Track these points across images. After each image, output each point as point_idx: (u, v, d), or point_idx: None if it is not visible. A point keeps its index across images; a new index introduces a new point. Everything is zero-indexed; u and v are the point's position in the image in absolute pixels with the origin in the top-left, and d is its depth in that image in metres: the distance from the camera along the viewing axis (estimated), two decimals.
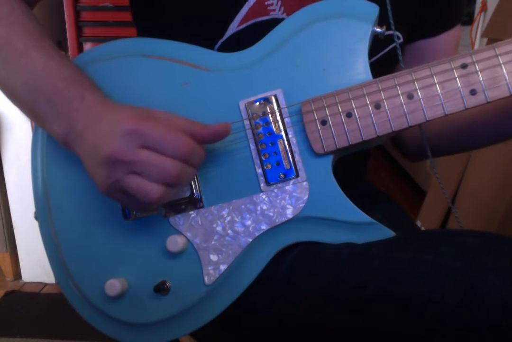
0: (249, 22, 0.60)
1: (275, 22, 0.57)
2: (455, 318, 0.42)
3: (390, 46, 0.65)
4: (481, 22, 1.57)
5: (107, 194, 0.50)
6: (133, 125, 0.47)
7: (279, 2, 0.59)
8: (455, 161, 1.51)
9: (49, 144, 0.61)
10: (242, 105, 0.56)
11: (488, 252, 0.44)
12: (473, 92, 0.49)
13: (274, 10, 0.60)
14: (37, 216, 0.61)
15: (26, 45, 0.54)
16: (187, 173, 0.49)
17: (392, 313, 0.45)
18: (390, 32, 0.59)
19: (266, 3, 0.59)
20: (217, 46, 0.61)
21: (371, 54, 0.56)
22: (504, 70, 0.48)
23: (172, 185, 0.49)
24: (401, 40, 0.66)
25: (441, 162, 1.57)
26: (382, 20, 0.55)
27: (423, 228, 1.54)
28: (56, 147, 0.60)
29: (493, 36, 1.41)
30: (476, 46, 1.58)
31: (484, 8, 1.55)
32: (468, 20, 1.59)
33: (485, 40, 1.50)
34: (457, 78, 0.49)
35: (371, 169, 0.84)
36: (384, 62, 0.65)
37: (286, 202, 0.54)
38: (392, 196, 0.81)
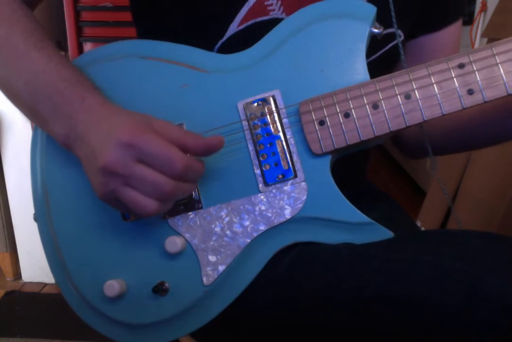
0: (249, 22, 0.60)
1: (275, 22, 0.57)
2: (454, 318, 0.42)
3: (391, 44, 0.65)
4: (481, 22, 1.57)
5: (104, 200, 0.51)
6: (130, 138, 0.47)
7: (279, 2, 0.59)
8: (455, 161, 1.51)
9: (48, 145, 0.61)
10: (240, 106, 0.55)
11: (488, 252, 0.44)
12: (470, 92, 0.49)
13: (273, 10, 0.60)
14: (36, 218, 0.61)
15: (26, 46, 0.54)
16: (181, 190, 0.49)
17: (392, 313, 0.45)
18: (390, 30, 0.59)
19: (265, 3, 0.59)
20: (217, 46, 0.61)
21: (371, 52, 0.55)
22: (501, 70, 0.48)
23: (166, 201, 0.49)
24: (402, 37, 0.66)
25: (441, 162, 1.57)
26: (382, 18, 0.55)
27: (423, 228, 1.54)
28: (56, 148, 0.60)
29: (493, 36, 1.41)
30: (476, 46, 1.58)
31: (484, 8, 1.55)
32: (468, 20, 1.58)
33: (485, 40, 1.50)
34: (455, 78, 0.49)
35: (371, 169, 0.84)
36: (384, 60, 0.65)
37: (284, 202, 0.54)
38: (392, 196, 0.81)
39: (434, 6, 0.68)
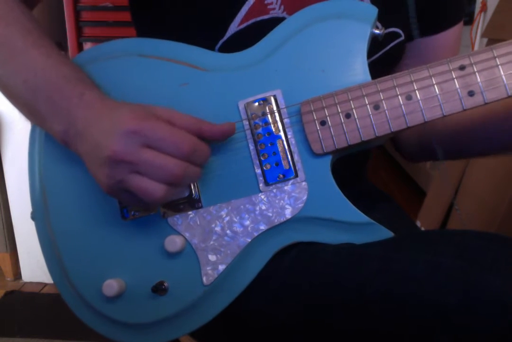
0: (250, 22, 0.60)
1: (275, 21, 0.57)
2: (454, 318, 0.42)
3: (392, 44, 0.65)
4: (481, 22, 1.57)
5: (110, 193, 0.50)
6: (134, 125, 0.47)
7: (279, 1, 0.59)
8: (455, 162, 1.51)
9: (46, 144, 0.61)
10: (241, 105, 0.56)
11: (488, 252, 0.44)
12: (471, 93, 0.49)
13: (274, 9, 0.60)
14: (33, 216, 0.61)
15: (25, 43, 0.54)
16: (190, 172, 0.49)
17: (392, 313, 0.45)
18: (390, 29, 0.59)
19: (265, 2, 0.59)
20: (218, 46, 0.61)
21: (371, 52, 0.55)
22: (502, 72, 0.48)
23: (175, 184, 0.49)
24: (402, 37, 0.66)
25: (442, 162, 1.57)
26: (382, 17, 0.55)
27: (423, 228, 1.54)
28: (54, 147, 0.60)
29: (493, 36, 1.41)
30: (476, 46, 1.58)
31: (484, 8, 1.55)
32: (468, 20, 1.58)
33: (485, 40, 1.50)
34: (455, 79, 0.49)
35: (371, 169, 0.84)
36: (384, 60, 0.65)
37: (285, 202, 0.54)
38: (392, 196, 0.81)
39: (435, 9, 0.68)
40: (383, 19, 0.55)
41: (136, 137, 0.47)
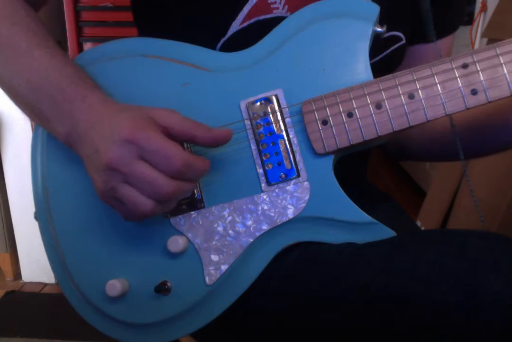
0: (252, 20, 0.59)
1: (278, 20, 0.57)
2: (455, 318, 0.42)
3: (392, 47, 0.65)
4: (481, 22, 1.57)
5: (103, 199, 0.51)
6: (130, 134, 0.47)
7: (283, 1, 0.59)
8: (455, 161, 1.51)
9: (49, 145, 0.61)
10: (243, 105, 0.55)
11: (490, 252, 0.44)
12: (474, 92, 0.49)
13: (277, 8, 0.59)
14: (37, 216, 0.61)
15: (29, 44, 0.54)
16: (181, 190, 0.49)
17: (393, 313, 0.45)
18: (392, 33, 0.59)
19: (269, 1, 0.59)
20: (219, 44, 0.60)
21: (373, 55, 0.55)
22: (505, 70, 0.48)
23: (163, 201, 0.49)
24: (404, 41, 0.66)
25: (442, 162, 1.57)
26: (384, 21, 0.55)
27: (423, 228, 1.54)
28: (56, 147, 0.60)
29: (493, 36, 1.41)
30: (476, 46, 1.58)
31: (484, 8, 1.55)
32: (468, 20, 1.58)
33: (485, 40, 1.50)
34: (458, 78, 0.49)
35: (371, 169, 0.84)
36: (384, 64, 0.65)
37: (287, 202, 0.53)
38: (392, 196, 0.81)
39: (434, 17, 0.67)
40: (385, 22, 0.55)
41: (131, 147, 0.47)
